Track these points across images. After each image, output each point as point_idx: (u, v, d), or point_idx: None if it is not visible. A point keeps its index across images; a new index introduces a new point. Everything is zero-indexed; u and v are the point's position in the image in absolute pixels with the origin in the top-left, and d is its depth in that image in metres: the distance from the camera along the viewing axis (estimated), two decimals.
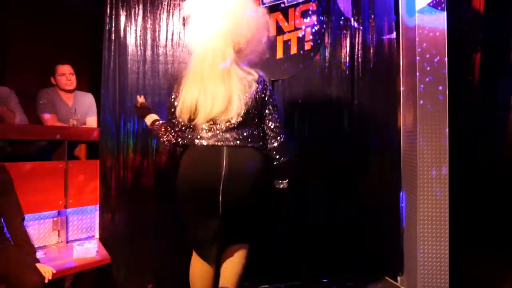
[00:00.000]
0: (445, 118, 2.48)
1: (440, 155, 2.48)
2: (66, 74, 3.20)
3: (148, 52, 2.88)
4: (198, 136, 1.80)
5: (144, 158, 2.84)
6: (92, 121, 3.22)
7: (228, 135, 1.78)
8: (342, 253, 2.83)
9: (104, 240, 2.75)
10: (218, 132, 1.78)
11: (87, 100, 3.26)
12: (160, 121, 2.07)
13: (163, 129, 1.97)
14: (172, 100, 1.91)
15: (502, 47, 3.65)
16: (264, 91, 1.85)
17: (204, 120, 1.78)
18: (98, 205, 2.81)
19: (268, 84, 1.91)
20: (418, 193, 2.49)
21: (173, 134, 1.92)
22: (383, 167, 2.83)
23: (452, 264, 2.47)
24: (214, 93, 1.75)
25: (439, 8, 2.51)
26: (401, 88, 2.88)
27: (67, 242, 2.72)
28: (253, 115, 1.82)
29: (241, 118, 1.77)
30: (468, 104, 3.10)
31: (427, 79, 2.51)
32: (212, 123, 1.79)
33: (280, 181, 1.93)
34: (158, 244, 2.82)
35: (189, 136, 1.84)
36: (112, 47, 2.86)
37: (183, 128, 1.88)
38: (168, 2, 2.89)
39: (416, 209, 2.51)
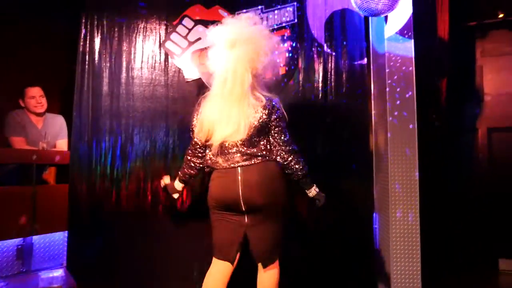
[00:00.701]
0: (414, 142, 2.56)
1: (411, 178, 2.55)
2: (36, 97, 3.13)
3: (123, 75, 2.87)
4: (216, 161, 2.04)
5: (117, 182, 2.78)
6: (62, 144, 3.14)
7: (237, 157, 2.00)
8: (315, 273, 2.81)
9: (72, 268, 2.64)
10: (230, 156, 2.01)
11: (58, 123, 3.19)
12: (180, 175, 2.27)
13: (186, 178, 2.24)
14: (195, 120, 2.11)
15: (466, 73, 3.84)
16: (270, 116, 2.03)
17: (218, 141, 1.98)
18: (66, 232, 2.71)
19: (276, 108, 2.06)
20: (390, 215, 2.54)
21: (194, 170, 2.20)
22: (356, 189, 2.86)
23: (424, 284, 2.50)
24: (229, 115, 1.95)
25: (407, 36, 2.63)
26: (373, 112, 2.96)
27: (32, 271, 2.59)
28: (258, 136, 2.02)
29: (246, 140, 1.99)
30: (436, 128, 3.22)
31: (397, 104, 2.59)
32: (223, 143, 2.00)
33: (310, 192, 2.15)
34: (130, 273, 2.73)
35: (209, 162, 2.09)
36: (86, 69, 2.84)
37: (201, 148, 2.12)
38: (144, 26, 2.91)
39: (389, 231, 2.55)
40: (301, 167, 2.08)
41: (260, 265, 2.07)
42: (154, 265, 2.76)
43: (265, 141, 2.05)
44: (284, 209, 2.07)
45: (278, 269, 2.09)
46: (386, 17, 2.63)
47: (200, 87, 2.87)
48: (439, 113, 3.25)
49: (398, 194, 2.55)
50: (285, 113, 2.10)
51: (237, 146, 2.00)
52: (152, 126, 2.84)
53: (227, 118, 1.95)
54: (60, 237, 2.77)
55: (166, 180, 2.37)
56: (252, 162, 2.00)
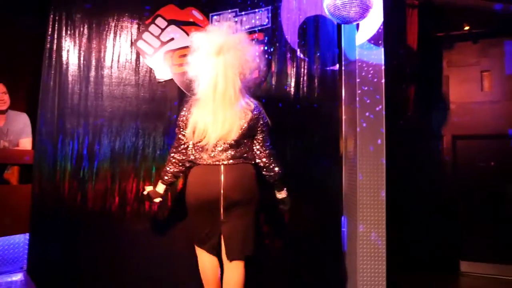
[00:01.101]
0: (382, 147, 2.63)
1: (378, 182, 2.61)
2: None
3: (92, 73, 2.80)
4: (200, 157, 2.17)
5: (83, 183, 2.70)
6: (26, 143, 3.02)
7: (223, 156, 2.14)
8: (283, 276, 2.83)
9: (32, 272, 2.54)
10: (216, 153, 2.14)
11: (21, 121, 3.06)
12: (164, 178, 2.30)
13: (169, 176, 2.28)
14: (184, 118, 2.19)
15: (433, 82, 3.98)
16: (258, 121, 2.20)
17: (213, 141, 2.10)
18: (28, 234, 2.60)
19: (262, 113, 2.23)
20: (358, 218, 2.59)
21: (177, 167, 2.26)
22: (326, 192, 2.90)
23: (388, 285, 2.56)
24: (224, 117, 2.08)
25: (377, 44, 2.70)
26: (343, 117, 3.02)
27: None
28: (245, 138, 2.17)
29: (234, 141, 2.13)
30: (403, 134, 3.31)
31: (366, 110, 2.65)
32: (215, 144, 2.12)
33: (280, 194, 2.29)
34: (94, 277, 2.65)
35: (192, 157, 2.20)
36: (53, 66, 2.75)
37: (184, 144, 2.22)
38: (115, 24, 2.85)
39: (356, 233, 2.60)
40: (279, 170, 2.25)
41: (227, 262, 2.16)
42: (120, 268, 2.70)
43: (249, 143, 2.21)
44: (256, 208, 2.21)
45: (244, 270, 2.17)
46: (357, 25, 2.69)
47: (172, 88, 2.85)
48: (407, 120, 3.35)
49: (365, 199, 2.61)
50: (266, 116, 2.25)
51: (225, 145, 2.13)
52: (121, 126, 2.78)
53: (222, 120, 2.08)
54: (21, 239, 2.65)
55: (148, 188, 2.36)
56: (235, 162, 2.15)
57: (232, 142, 2.13)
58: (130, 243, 2.72)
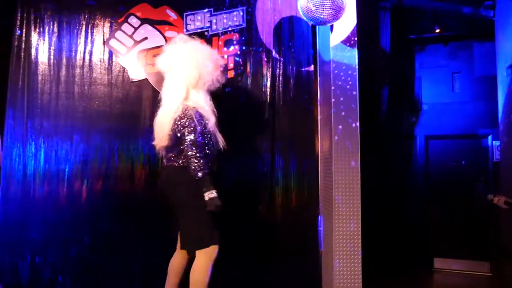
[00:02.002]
0: (356, 146, 2.66)
1: (353, 181, 2.64)
2: None
3: (63, 72, 2.73)
4: None
5: (53, 185, 2.62)
6: None
7: (165, 160, 2.35)
8: (264, 276, 2.83)
9: (3, 276, 2.46)
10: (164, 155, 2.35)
11: None
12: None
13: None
14: None
15: (405, 83, 4.08)
16: (182, 123, 2.22)
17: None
18: None
19: (186, 117, 2.21)
20: (334, 217, 2.61)
21: None
22: (302, 192, 2.92)
23: (364, 284, 2.59)
24: (160, 124, 2.27)
25: (351, 45, 2.73)
26: (319, 117, 3.04)
27: None
28: (175, 141, 2.24)
29: (166, 143, 2.24)
30: (377, 134, 3.37)
31: (341, 111, 2.68)
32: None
33: (206, 197, 2.17)
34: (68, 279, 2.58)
35: None
36: (21, 65, 2.68)
37: None
38: (87, 22, 2.79)
39: (332, 233, 2.62)
40: (195, 171, 2.18)
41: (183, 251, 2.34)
42: (93, 270, 2.65)
43: (179, 147, 2.25)
44: (192, 207, 2.23)
45: (204, 263, 2.21)
46: (331, 27, 2.72)
47: (146, 88, 2.81)
48: (381, 120, 3.41)
49: (341, 198, 2.63)
50: (193, 121, 2.21)
51: (165, 150, 2.30)
52: (94, 126, 2.72)
53: (158, 127, 2.27)
54: None
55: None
56: (168, 164, 2.31)
57: (167, 147, 2.28)
58: (102, 248, 2.67)
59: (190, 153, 2.19)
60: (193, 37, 2.41)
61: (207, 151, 2.25)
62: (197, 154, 2.19)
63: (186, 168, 2.20)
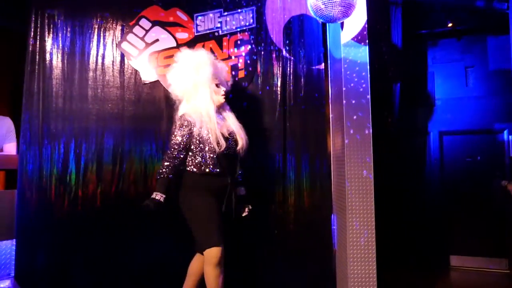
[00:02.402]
0: (369, 144, 2.64)
1: (366, 180, 2.62)
2: None
3: (76, 76, 2.77)
4: None
5: (69, 188, 2.66)
6: (10, 148, 2.97)
7: None
8: (278, 275, 2.83)
9: (20, 279, 2.50)
10: None
11: (5, 125, 3.01)
12: None
13: None
14: None
15: (419, 78, 4.03)
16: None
17: None
18: (14, 240, 2.57)
19: (176, 123, 2.31)
20: (347, 216, 2.60)
21: None
22: (316, 190, 2.91)
23: (380, 282, 2.58)
24: None
25: (362, 42, 2.71)
26: (330, 115, 3.03)
27: None
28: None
29: None
30: (390, 131, 3.34)
31: (353, 108, 2.66)
32: None
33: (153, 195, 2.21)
34: (83, 283, 2.62)
35: None
36: (36, 69, 2.72)
37: None
38: (99, 26, 2.82)
39: (346, 231, 2.61)
40: (158, 171, 2.28)
41: None
42: (108, 273, 2.68)
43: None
44: (185, 212, 2.29)
45: (205, 266, 2.22)
46: (342, 24, 2.70)
47: (158, 90, 2.83)
48: (393, 117, 3.38)
49: (354, 196, 2.61)
50: (175, 126, 2.31)
51: None
52: (107, 129, 2.75)
53: None
54: (8, 245, 2.61)
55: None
56: None
57: None
58: (117, 248, 2.70)
59: (164, 156, 2.33)
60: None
61: (180, 155, 2.27)
62: (165, 157, 2.28)
63: (182, 174, 2.30)
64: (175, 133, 2.29)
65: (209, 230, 2.20)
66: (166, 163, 2.24)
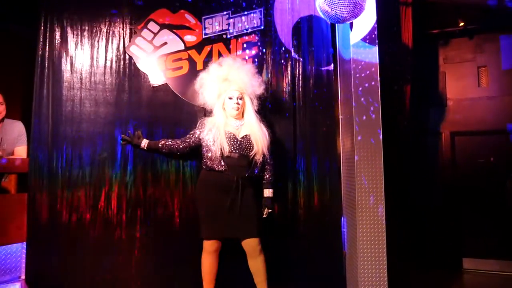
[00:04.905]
0: (379, 145, 2.61)
1: (377, 182, 2.58)
2: None
3: (85, 80, 2.78)
4: None
5: (78, 191, 2.67)
6: (21, 151, 3.00)
7: None
8: (287, 278, 2.81)
9: (30, 282, 2.52)
10: None
11: (16, 129, 3.03)
12: None
13: None
14: None
15: (430, 79, 3.96)
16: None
17: None
18: (25, 243, 2.58)
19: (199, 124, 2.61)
20: (357, 218, 2.56)
21: None
22: (325, 192, 2.89)
23: (390, 285, 2.54)
24: None
25: (371, 42, 2.68)
26: (340, 116, 3.00)
27: None
28: None
29: None
30: (401, 132, 3.29)
31: (363, 109, 2.63)
32: None
33: None
34: (93, 286, 2.63)
35: None
36: (46, 73, 2.73)
37: None
38: (107, 30, 2.83)
39: (356, 234, 2.58)
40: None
41: None
42: (118, 277, 2.68)
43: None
44: (195, 202, 2.62)
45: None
46: (351, 24, 2.67)
47: (166, 93, 2.83)
48: (404, 117, 3.33)
49: (364, 198, 2.58)
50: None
51: None
52: (116, 132, 2.76)
53: None
54: (18, 248, 2.63)
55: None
56: None
57: None
58: (127, 252, 2.70)
59: None
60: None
61: (181, 144, 2.62)
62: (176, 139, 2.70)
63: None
64: (193, 129, 2.63)
65: (206, 223, 2.47)
66: (171, 140, 2.65)
